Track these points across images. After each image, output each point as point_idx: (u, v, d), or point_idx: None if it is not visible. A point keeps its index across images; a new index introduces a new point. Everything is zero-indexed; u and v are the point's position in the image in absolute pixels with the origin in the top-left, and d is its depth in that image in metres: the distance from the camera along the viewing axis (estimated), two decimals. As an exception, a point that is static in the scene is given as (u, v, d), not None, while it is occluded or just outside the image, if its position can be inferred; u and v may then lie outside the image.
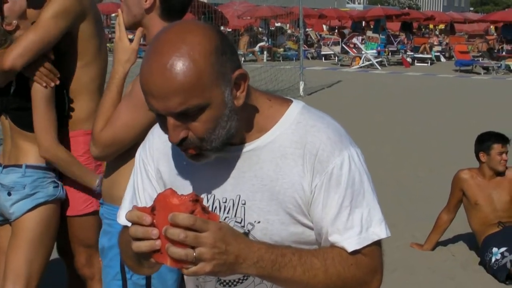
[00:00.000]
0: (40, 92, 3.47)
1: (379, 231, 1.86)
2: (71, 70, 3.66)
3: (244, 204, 1.88)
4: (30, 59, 3.44)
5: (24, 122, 3.54)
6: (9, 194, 3.55)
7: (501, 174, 6.44)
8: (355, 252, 1.83)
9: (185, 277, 2.09)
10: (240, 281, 1.92)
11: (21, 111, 3.55)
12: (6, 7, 3.50)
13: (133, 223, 1.66)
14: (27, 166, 3.56)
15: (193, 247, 1.62)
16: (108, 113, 2.92)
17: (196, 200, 1.65)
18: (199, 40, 1.72)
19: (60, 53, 3.61)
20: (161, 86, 1.70)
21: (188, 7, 3.03)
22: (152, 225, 1.65)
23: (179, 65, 1.69)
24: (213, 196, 1.91)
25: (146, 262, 1.76)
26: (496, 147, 6.39)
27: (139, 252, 1.67)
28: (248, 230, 1.86)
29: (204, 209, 1.66)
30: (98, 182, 3.56)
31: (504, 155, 6.40)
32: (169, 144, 1.95)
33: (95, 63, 3.68)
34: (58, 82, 3.52)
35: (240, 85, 1.80)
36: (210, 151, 1.80)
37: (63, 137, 3.65)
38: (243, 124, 1.85)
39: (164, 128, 1.79)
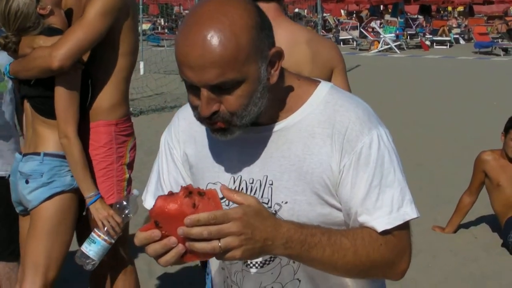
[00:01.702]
0: (65, 83, 3.46)
1: (410, 210, 1.84)
2: (103, 60, 3.63)
3: (272, 184, 1.86)
4: (78, 58, 3.45)
5: (44, 108, 3.54)
6: (27, 182, 3.55)
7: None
8: (384, 233, 1.81)
9: (210, 260, 2.10)
10: (267, 262, 1.92)
11: (41, 98, 3.55)
12: None
13: (146, 245, 1.65)
14: (45, 154, 3.55)
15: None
16: None
17: (190, 192, 1.62)
18: (240, 14, 1.70)
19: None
20: (200, 57, 1.67)
21: None
22: (163, 237, 1.63)
23: (220, 37, 1.66)
24: (239, 177, 1.90)
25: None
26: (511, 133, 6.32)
27: (169, 265, 1.67)
28: (275, 211, 1.85)
29: (200, 193, 1.63)
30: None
31: None
32: (195, 126, 1.94)
33: (127, 55, 3.67)
34: (82, 68, 3.52)
35: (275, 63, 1.78)
36: (238, 127, 1.78)
37: (85, 128, 3.64)
38: (272, 103, 1.83)
39: (196, 101, 1.76)
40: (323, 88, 1.91)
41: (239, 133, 1.80)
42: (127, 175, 3.74)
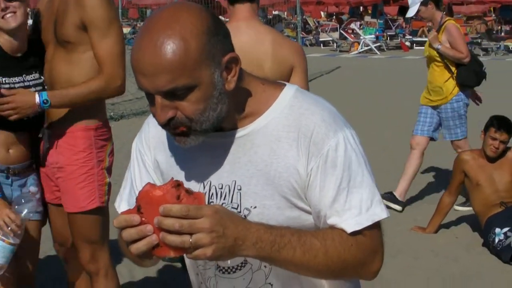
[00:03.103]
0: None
1: (379, 211, 1.85)
2: (80, 64, 3.62)
3: (240, 189, 1.87)
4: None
5: None
6: None
7: (491, 159, 6.41)
8: (354, 233, 1.82)
9: (187, 265, 2.11)
10: (239, 267, 1.93)
11: None
12: None
13: (123, 228, 1.66)
14: None
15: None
16: None
17: (178, 184, 1.65)
18: (191, 20, 1.72)
19: (66, 42, 3.58)
20: (151, 63, 1.70)
21: None
22: (142, 223, 1.64)
23: (169, 43, 1.69)
24: (209, 182, 1.91)
25: (149, 260, 1.77)
26: (491, 130, 6.36)
27: (140, 253, 1.66)
28: (245, 216, 1.85)
29: (188, 191, 1.66)
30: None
31: (496, 142, 6.32)
32: (164, 133, 1.95)
33: None
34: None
35: (231, 69, 1.79)
36: (199, 132, 1.79)
37: (59, 135, 3.65)
38: (236, 109, 1.85)
39: (154, 108, 1.77)
40: (288, 91, 1.91)
41: (203, 139, 1.81)
42: (108, 180, 3.73)
